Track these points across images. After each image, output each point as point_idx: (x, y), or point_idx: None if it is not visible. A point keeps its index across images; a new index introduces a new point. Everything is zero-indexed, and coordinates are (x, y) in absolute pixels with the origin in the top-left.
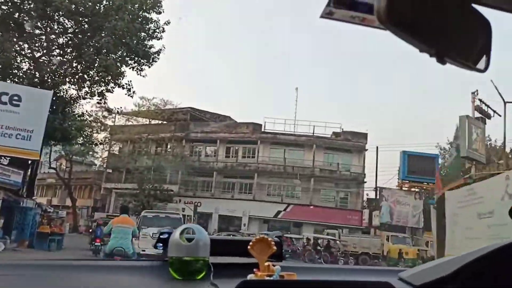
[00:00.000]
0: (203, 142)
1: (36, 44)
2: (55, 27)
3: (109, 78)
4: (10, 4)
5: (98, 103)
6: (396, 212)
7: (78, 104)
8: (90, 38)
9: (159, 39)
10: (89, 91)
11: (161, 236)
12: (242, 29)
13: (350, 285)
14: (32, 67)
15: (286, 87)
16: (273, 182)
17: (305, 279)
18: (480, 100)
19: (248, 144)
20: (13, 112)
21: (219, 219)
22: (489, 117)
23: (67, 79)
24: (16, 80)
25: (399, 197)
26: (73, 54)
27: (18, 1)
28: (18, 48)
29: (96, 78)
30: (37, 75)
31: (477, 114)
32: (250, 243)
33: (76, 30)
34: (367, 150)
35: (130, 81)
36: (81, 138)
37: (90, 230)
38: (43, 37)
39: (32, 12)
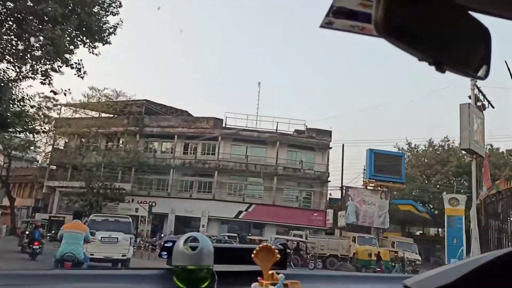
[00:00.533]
0: (159, 138)
1: None
2: None
3: (55, 53)
4: None
5: (41, 83)
6: (362, 212)
7: (17, 86)
8: (33, 6)
9: (115, 15)
10: (30, 69)
11: (165, 245)
12: (202, 21)
13: None
14: None
15: (248, 82)
16: (234, 180)
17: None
18: (478, 88)
19: (208, 140)
20: None
21: (175, 220)
22: (484, 108)
23: (3, 55)
24: None
25: (365, 197)
26: (12, 25)
27: None
28: None
29: (40, 53)
30: None
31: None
32: (254, 251)
33: None
34: (331, 148)
35: (81, 60)
36: (20, 125)
37: (27, 232)
38: None
39: None
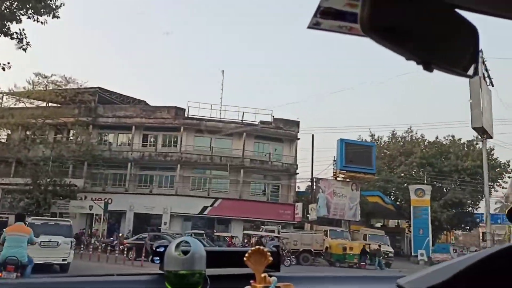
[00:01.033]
0: (114, 129)
1: None
2: None
3: None
4: None
5: None
6: (333, 205)
7: None
8: None
9: None
10: None
11: (157, 250)
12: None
13: None
14: None
15: (210, 70)
16: (198, 174)
17: None
18: (484, 63)
19: (169, 131)
20: None
21: (134, 218)
22: (492, 84)
23: None
24: None
25: (336, 188)
26: None
27: None
28: None
29: None
30: None
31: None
32: (246, 255)
33: None
34: (299, 139)
35: (23, 29)
36: None
37: None
38: None
39: None
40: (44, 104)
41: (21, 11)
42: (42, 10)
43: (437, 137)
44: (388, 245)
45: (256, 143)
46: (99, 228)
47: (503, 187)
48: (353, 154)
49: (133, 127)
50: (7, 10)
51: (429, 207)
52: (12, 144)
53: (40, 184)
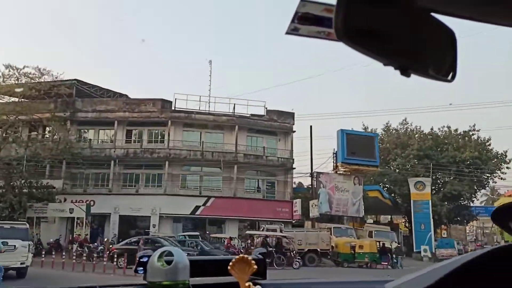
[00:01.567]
0: (95, 124)
1: None
2: None
3: None
4: None
5: None
6: (335, 200)
7: None
8: None
9: None
10: None
11: (141, 260)
12: None
13: None
14: None
15: (196, 60)
16: (188, 171)
17: None
18: None
19: (156, 126)
20: None
21: (120, 220)
22: None
23: None
24: None
25: (337, 183)
26: None
27: None
28: None
29: None
30: None
31: None
32: (230, 263)
33: None
34: (294, 131)
35: None
36: None
37: None
38: None
39: None
40: (16, 99)
41: None
42: None
43: (432, 128)
44: (396, 242)
45: (249, 137)
46: (81, 233)
47: (502, 178)
48: (355, 146)
49: (116, 122)
50: None
51: (430, 201)
52: None
53: (14, 186)
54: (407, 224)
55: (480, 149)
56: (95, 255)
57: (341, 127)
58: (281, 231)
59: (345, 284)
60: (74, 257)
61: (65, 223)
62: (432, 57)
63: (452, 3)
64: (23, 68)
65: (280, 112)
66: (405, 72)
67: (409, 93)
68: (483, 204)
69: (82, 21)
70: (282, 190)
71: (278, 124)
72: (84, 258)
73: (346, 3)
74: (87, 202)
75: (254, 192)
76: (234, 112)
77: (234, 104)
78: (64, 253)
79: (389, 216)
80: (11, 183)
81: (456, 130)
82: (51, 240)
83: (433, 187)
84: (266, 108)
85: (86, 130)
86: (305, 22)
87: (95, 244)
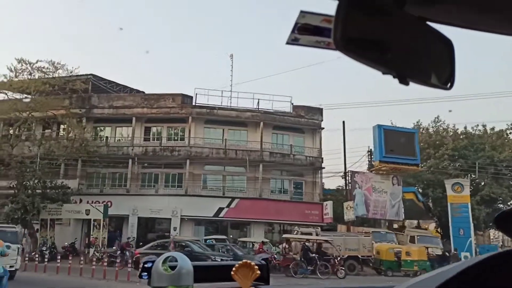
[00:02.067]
0: (111, 121)
1: None
2: None
3: None
4: None
5: None
6: (372, 202)
7: None
8: None
9: None
10: None
11: (145, 265)
12: None
13: None
14: None
15: (216, 54)
16: (210, 170)
17: None
18: None
19: (176, 122)
20: None
21: (138, 222)
22: None
23: None
24: None
25: (374, 183)
26: None
27: None
28: None
29: None
30: None
31: None
32: (234, 268)
33: None
34: (323, 128)
35: None
36: None
37: None
38: None
39: None
40: (29, 95)
41: None
42: None
43: (465, 127)
44: (442, 248)
45: (274, 134)
46: (98, 236)
47: None
48: (394, 143)
49: (133, 119)
50: None
51: (469, 204)
52: None
53: (27, 186)
54: (438, 229)
55: None
56: (117, 260)
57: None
58: (317, 235)
59: None
60: (93, 263)
61: (81, 225)
62: (430, 65)
63: (446, 12)
64: (36, 62)
65: (308, 107)
66: (404, 80)
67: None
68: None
69: (90, 16)
70: (310, 191)
71: (306, 120)
72: (105, 263)
73: (345, 14)
74: (104, 203)
75: (280, 193)
76: (258, 108)
77: (258, 99)
78: (82, 258)
79: (415, 221)
80: (24, 183)
81: (492, 128)
82: (66, 244)
83: (472, 190)
84: (292, 103)
85: (102, 128)
86: (305, 32)
87: (113, 248)
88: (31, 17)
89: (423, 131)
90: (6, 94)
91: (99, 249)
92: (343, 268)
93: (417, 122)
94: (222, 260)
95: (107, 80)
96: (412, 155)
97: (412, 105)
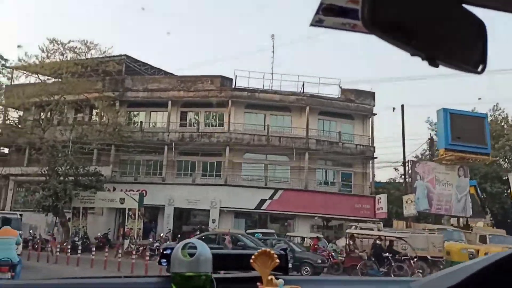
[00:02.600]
0: (146, 106)
1: None
2: None
3: None
4: None
5: None
6: (435, 196)
7: None
8: None
9: None
10: None
11: (164, 252)
12: None
13: None
14: None
15: (255, 36)
16: (251, 159)
17: None
18: None
19: (214, 107)
20: None
21: (175, 213)
22: None
23: None
24: None
25: (438, 174)
26: None
27: None
28: None
29: None
30: None
31: None
32: (253, 257)
33: None
34: (375, 114)
35: None
36: None
37: None
38: None
39: None
40: (61, 77)
41: None
42: None
43: None
44: None
45: (321, 120)
46: (133, 227)
47: None
48: (461, 129)
49: (169, 103)
50: None
51: None
52: (25, 127)
53: (58, 173)
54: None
55: None
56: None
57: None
58: (378, 231)
59: (367, 283)
60: (133, 256)
61: (114, 215)
62: (461, 48)
63: None
64: (68, 42)
65: (358, 91)
66: (433, 63)
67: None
68: None
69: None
70: (359, 183)
71: (356, 105)
72: (147, 257)
73: None
74: (140, 192)
75: (327, 185)
76: (303, 91)
77: (303, 82)
78: (120, 251)
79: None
80: (56, 168)
81: None
82: (99, 234)
83: None
84: (341, 87)
85: (136, 112)
86: (330, 13)
87: (150, 240)
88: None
89: None
90: (37, 76)
91: (134, 241)
92: (420, 271)
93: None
94: None
95: (140, 62)
96: (482, 143)
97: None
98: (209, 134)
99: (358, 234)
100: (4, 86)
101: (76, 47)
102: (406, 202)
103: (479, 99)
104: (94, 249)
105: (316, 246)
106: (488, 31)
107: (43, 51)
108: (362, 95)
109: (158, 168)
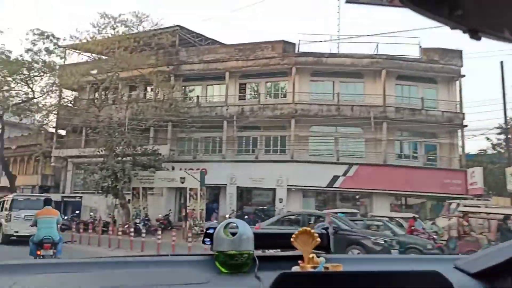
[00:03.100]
0: (202, 79)
1: None
2: None
3: None
4: None
5: None
6: None
7: None
8: None
9: None
10: None
11: (207, 231)
12: None
13: (397, 275)
14: None
15: None
16: (319, 132)
17: (350, 270)
18: None
19: (276, 76)
20: None
21: (237, 193)
22: None
23: None
24: None
25: None
26: None
27: None
28: None
29: None
30: None
31: None
32: (293, 235)
33: None
34: (463, 76)
35: None
36: None
37: None
38: None
39: None
40: (113, 53)
41: None
42: None
43: None
44: None
45: (399, 85)
46: (196, 208)
47: None
48: None
49: (227, 74)
50: None
51: None
52: (80, 108)
53: (116, 154)
54: None
55: None
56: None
57: None
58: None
59: (410, 261)
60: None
61: (174, 195)
62: (506, 16)
63: None
64: (119, 16)
65: (443, 50)
66: (475, 35)
67: None
68: None
69: None
70: (447, 155)
71: (440, 66)
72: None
73: None
74: (201, 170)
75: (408, 158)
76: (377, 53)
77: (377, 43)
78: (190, 234)
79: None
80: (113, 150)
81: None
82: (160, 216)
83: None
84: (421, 46)
85: (192, 87)
86: None
87: (214, 221)
88: None
89: None
90: (90, 55)
91: (197, 222)
92: None
93: None
94: (385, 242)
95: (194, 32)
96: None
97: None
98: (272, 106)
99: (476, 212)
100: (57, 67)
101: (127, 20)
102: (511, 175)
103: (501, 62)
104: (159, 232)
105: (412, 227)
106: None
107: (94, 26)
108: (448, 55)
109: (217, 146)
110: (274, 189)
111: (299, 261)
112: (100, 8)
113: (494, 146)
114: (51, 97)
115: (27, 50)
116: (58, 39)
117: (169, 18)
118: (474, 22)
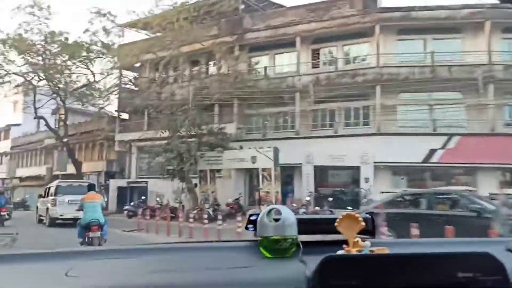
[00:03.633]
0: (269, 48)
1: None
2: None
3: None
4: None
5: None
6: None
7: None
8: None
9: None
10: None
11: (250, 218)
12: None
13: (445, 257)
14: None
15: None
16: (409, 99)
17: (397, 253)
18: None
19: (354, 38)
20: None
21: (315, 172)
22: None
23: None
24: None
25: None
26: None
27: None
28: None
29: None
30: None
31: None
32: (337, 220)
33: None
34: None
35: None
36: None
37: None
38: None
39: None
40: (173, 26)
41: None
42: None
43: None
44: None
45: (505, 39)
46: (270, 190)
47: None
48: None
49: (298, 40)
50: None
51: None
52: (141, 89)
53: (180, 135)
54: None
55: None
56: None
57: None
58: None
59: (459, 244)
60: None
61: (243, 178)
62: None
63: None
64: None
65: None
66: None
67: None
68: None
69: None
70: None
71: None
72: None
73: None
74: (274, 148)
75: None
76: (479, 2)
77: None
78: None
79: None
80: (178, 131)
81: None
82: (230, 200)
83: None
84: None
85: (258, 58)
86: None
87: (294, 205)
88: None
89: None
90: (148, 31)
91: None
92: None
93: None
94: None
95: None
96: None
97: None
98: (352, 73)
99: None
100: (116, 46)
101: None
102: None
103: None
104: (239, 219)
105: None
106: None
107: None
108: None
109: (289, 121)
110: (357, 168)
111: (344, 246)
112: None
113: None
114: (111, 78)
115: (85, 31)
116: (115, 16)
117: None
118: None
